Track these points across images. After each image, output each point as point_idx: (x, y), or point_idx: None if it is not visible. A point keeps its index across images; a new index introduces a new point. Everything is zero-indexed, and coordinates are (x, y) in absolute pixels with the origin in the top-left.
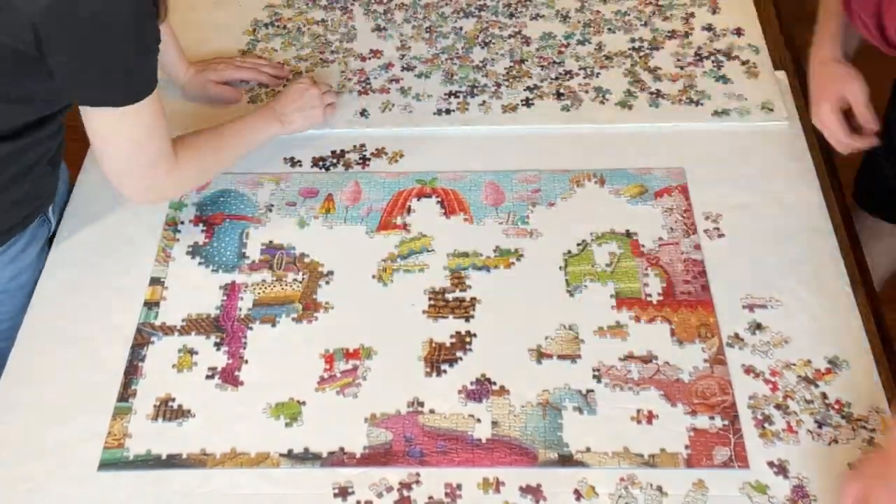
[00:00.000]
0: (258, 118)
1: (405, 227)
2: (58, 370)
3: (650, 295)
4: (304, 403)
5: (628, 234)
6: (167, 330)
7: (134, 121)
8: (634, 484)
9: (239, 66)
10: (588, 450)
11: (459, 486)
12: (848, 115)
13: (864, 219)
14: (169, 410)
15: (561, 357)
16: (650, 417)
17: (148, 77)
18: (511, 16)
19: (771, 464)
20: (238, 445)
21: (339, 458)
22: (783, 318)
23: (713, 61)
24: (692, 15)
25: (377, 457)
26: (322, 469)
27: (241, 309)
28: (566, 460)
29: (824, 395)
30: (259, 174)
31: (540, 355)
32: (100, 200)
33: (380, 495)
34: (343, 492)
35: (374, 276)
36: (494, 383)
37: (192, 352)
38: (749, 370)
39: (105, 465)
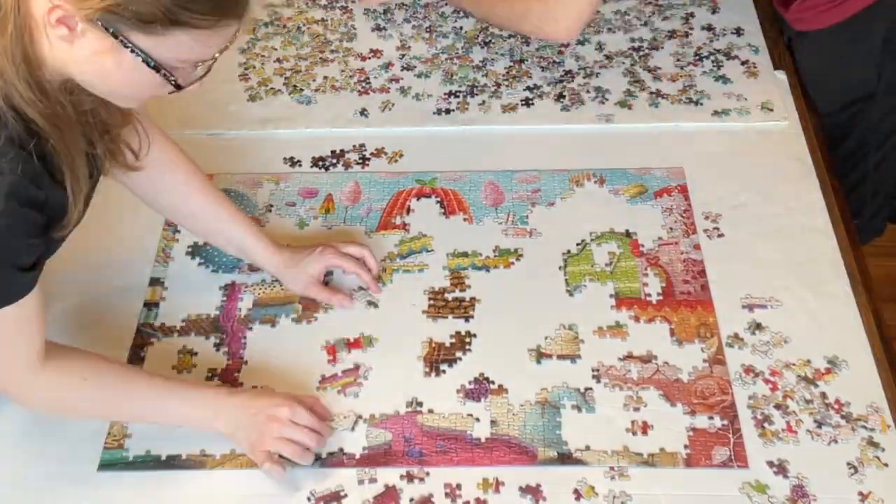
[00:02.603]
0: (198, 409)
1: (405, 226)
2: None
3: (650, 295)
4: None
5: (628, 234)
6: (167, 330)
7: None
8: (633, 483)
9: (342, 255)
10: (587, 448)
11: (459, 486)
12: None
13: None
14: None
15: (560, 357)
16: (645, 427)
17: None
18: None
19: (770, 463)
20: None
21: (338, 459)
22: (783, 318)
23: (713, 61)
24: (692, 15)
25: (377, 457)
26: (322, 469)
27: (240, 309)
28: (565, 458)
29: (824, 395)
30: (259, 174)
31: (539, 355)
32: (99, 201)
33: (379, 496)
34: (341, 493)
35: (373, 276)
36: (493, 382)
37: (191, 353)
38: (749, 370)
39: (105, 465)
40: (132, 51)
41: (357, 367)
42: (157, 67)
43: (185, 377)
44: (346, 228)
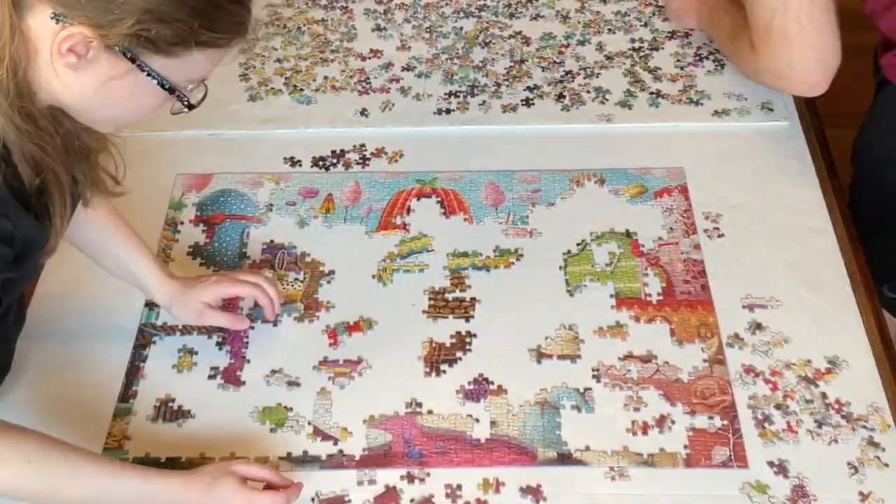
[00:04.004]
0: (169, 491)
1: (405, 226)
2: (58, 370)
3: (650, 295)
4: (290, 409)
5: (628, 234)
6: (169, 330)
7: None
8: (633, 483)
9: (238, 281)
10: (587, 448)
11: (460, 487)
12: None
13: None
14: (169, 411)
15: (561, 357)
16: (645, 427)
17: None
18: (511, 16)
19: (771, 463)
20: (237, 449)
21: (338, 461)
22: (783, 318)
23: (713, 61)
24: None
25: (376, 458)
26: (321, 472)
27: (242, 309)
28: (565, 459)
29: (824, 395)
30: (259, 174)
31: (540, 355)
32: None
33: (380, 496)
34: (346, 498)
35: (374, 276)
36: (492, 383)
37: (192, 352)
38: (749, 370)
39: None
40: (148, 74)
41: (359, 361)
42: (171, 89)
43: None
44: (346, 228)
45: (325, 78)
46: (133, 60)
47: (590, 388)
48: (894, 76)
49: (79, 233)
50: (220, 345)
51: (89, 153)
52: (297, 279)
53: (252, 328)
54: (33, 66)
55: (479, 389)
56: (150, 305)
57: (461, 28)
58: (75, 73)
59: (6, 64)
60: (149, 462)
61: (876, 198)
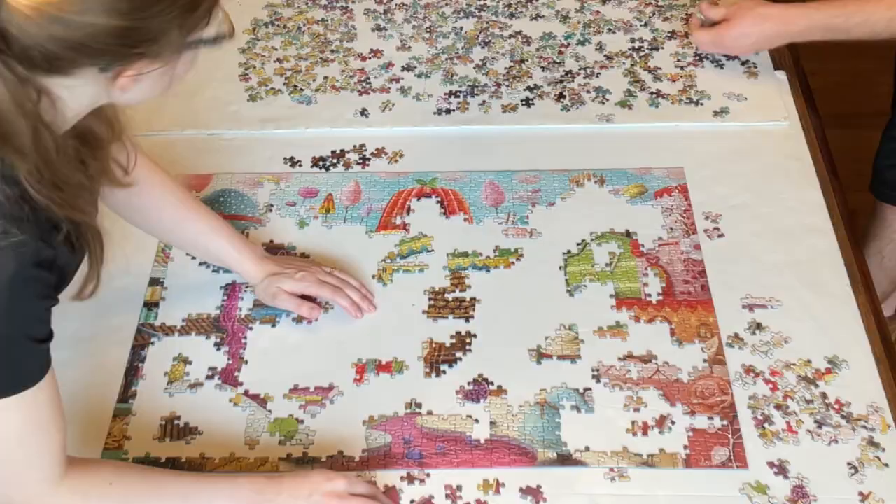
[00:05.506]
0: (231, 495)
1: (405, 226)
2: (58, 370)
3: (650, 295)
4: (302, 422)
5: (628, 234)
6: (167, 330)
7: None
8: (633, 484)
9: (320, 282)
10: (587, 449)
11: (460, 488)
12: None
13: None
14: (175, 429)
15: (561, 357)
16: (645, 427)
17: (16, 370)
18: (511, 16)
19: (771, 464)
20: (237, 450)
21: (338, 462)
22: (783, 318)
23: (713, 61)
24: (692, 15)
25: (376, 460)
26: None
27: (241, 309)
28: (565, 459)
29: (824, 395)
30: (259, 174)
31: (540, 355)
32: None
33: None
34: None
35: (374, 276)
36: (492, 383)
37: (186, 361)
38: (749, 370)
39: None
40: (201, 45)
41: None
42: (216, 40)
43: (216, 473)
44: (346, 228)
45: (325, 78)
46: (190, 47)
47: (589, 389)
48: None
49: (158, 221)
50: (218, 346)
51: (103, 144)
52: None
53: (251, 328)
54: (60, 119)
55: (479, 390)
56: (149, 306)
57: (461, 28)
58: (129, 90)
59: (43, 146)
60: (149, 462)
61: None
